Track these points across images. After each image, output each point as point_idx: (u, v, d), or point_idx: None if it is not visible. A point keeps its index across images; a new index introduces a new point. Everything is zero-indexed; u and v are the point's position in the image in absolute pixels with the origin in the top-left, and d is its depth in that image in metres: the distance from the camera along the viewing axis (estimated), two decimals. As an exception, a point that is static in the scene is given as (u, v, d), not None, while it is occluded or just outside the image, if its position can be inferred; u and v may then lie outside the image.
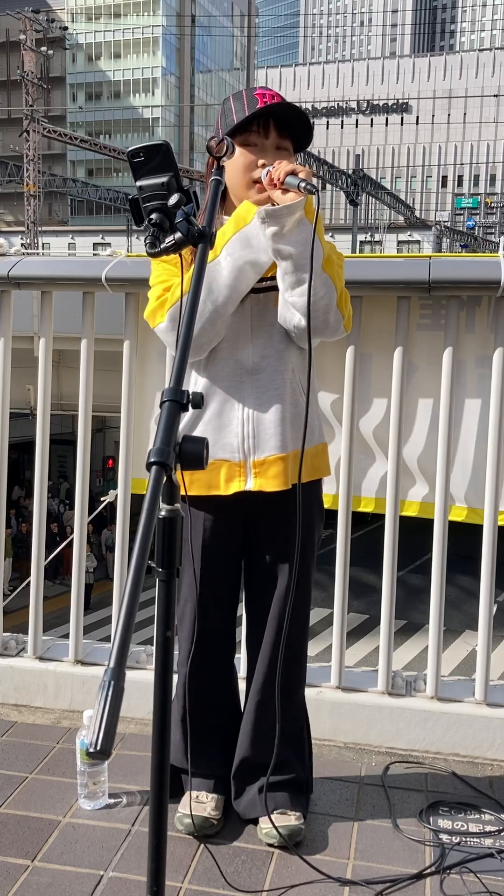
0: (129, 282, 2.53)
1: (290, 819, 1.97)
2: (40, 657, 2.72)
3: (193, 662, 2.00)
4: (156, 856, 1.27)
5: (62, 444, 11.89)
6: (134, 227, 31.86)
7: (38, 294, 2.73)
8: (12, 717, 2.60)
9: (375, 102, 79.40)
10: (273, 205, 1.78)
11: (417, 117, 79.68)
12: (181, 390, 1.25)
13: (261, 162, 1.84)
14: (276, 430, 1.89)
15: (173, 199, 1.40)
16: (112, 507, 2.87)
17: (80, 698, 2.64)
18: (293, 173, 1.75)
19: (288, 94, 71.34)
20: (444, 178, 76.55)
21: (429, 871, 1.88)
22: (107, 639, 1.74)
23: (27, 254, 2.86)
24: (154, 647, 1.75)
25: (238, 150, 1.83)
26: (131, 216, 1.47)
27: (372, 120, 79.93)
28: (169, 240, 1.41)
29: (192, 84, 75.45)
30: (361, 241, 40.94)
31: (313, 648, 2.24)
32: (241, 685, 2.16)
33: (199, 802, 2.01)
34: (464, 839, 2.00)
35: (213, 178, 1.56)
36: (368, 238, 45.42)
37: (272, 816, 1.97)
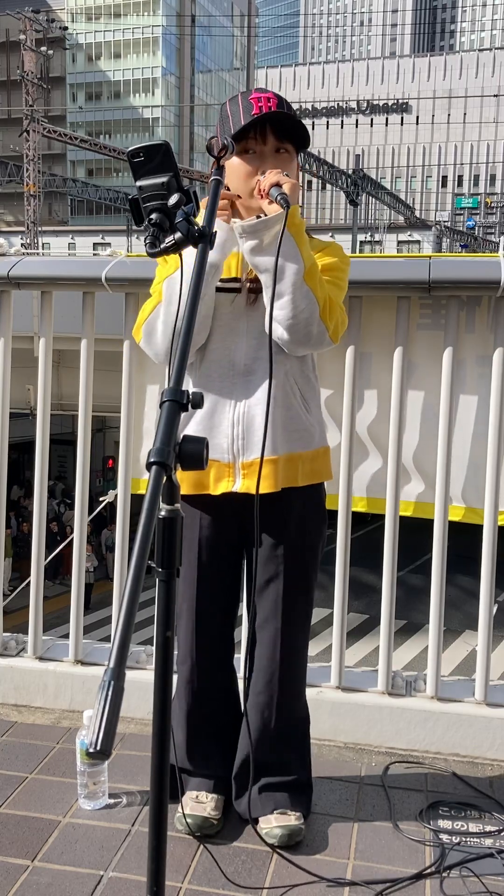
0: (129, 282, 2.53)
1: (291, 819, 1.97)
2: (40, 657, 2.72)
3: (192, 661, 2.00)
4: (156, 856, 1.26)
5: (62, 444, 11.89)
6: (134, 227, 31.86)
7: (38, 294, 2.73)
8: (12, 717, 2.60)
9: (375, 102, 79.40)
10: (259, 216, 1.81)
11: (417, 117, 79.68)
12: (181, 390, 1.25)
13: (260, 171, 1.85)
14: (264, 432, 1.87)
15: (173, 199, 1.40)
16: (112, 507, 2.88)
17: (80, 698, 2.64)
18: (277, 185, 1.76)
19: (288, 94, 71.34)
20: (444, 178, 76.55)
21: (429, 871, 1.88)
22: (107, 639, 1.74)
23: (27, 254, 2.86)
24: (154, 647, 1.75)
25: (238, 159, 1.85)
26: (131, 216, 1.47)
27: (372, 120, 79.93)
28: (169, 240, 1.41)
29: (192, 84, 75.46)
30: (361, 241, 40.94)
31: (313, 648, 2.23)
32: (241, 685, 2.16)
33: (198, 802, 2.01)
34: (464, 839, 2.00)
35: (213, 178, 1.56)
36: (368, 238, 45.42)
37: (272, 816, 1.98)
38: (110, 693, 0.97)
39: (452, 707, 2.45)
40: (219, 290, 1.91)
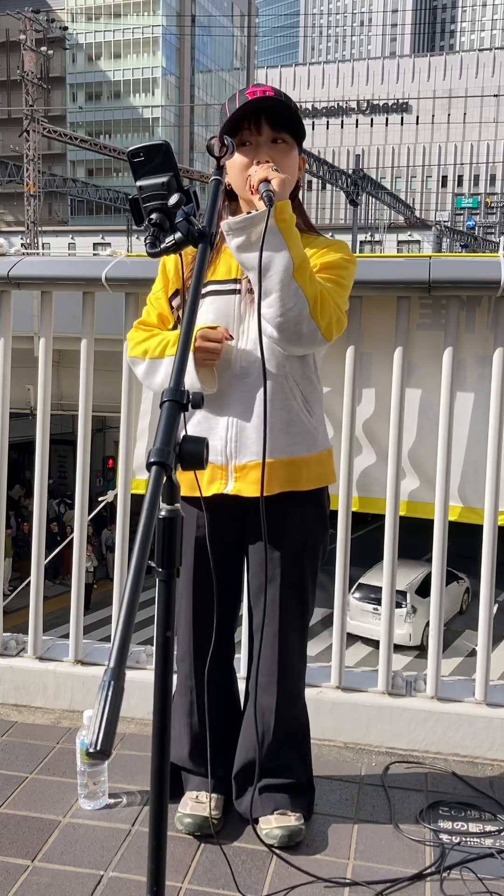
0: (129, 282, 2.53)
1: (291, 819, 1.97)
2: (40, 657, 2.72)
3: (191, 661, 2.00)
4: (156, 856, 1.27)
5: (62, 444, 11.89)
6: (134, 227, 31.88)
7: (38, 294, 2.73)
8: (12, 717, 2.60)
9: (375, 102, 79.37)
10: (250, 211, 1.77)
11: (417, 117, 79.64)
12: (181, 390, 1.25)
13: (255, 161, 1.83)
14: (258, 435, 1.83)
15: (173, 199, 1.41)
16: (112, 506, 2.87)
17: (80, 698, 2.64)
18: (266, 180, 1.73)
19: (288, 93, 71.02)
20: (444, 178, 76.53)
21: (429, 871, 1.88)
22: (107, 639, 1.74)
23: (27, 254, 2.86)
24: (154, 647, 1.75)
25: (236, 152, 1.82)
26: (131, 216, 1.47)
27: (372, 120, 79.89)
28: (169, 240, 1.41)
29: (192, 84, 75.47)
30: (361, 241, 40.97)
31: (313, 648, 2.23)
32: (241, 685, 2.16)
33: (199, 802, 2.01)
34: (464, 839, 2.00)
35: (213, 177, 1.56)
36: (368, 238, 45.45)
37: (272, 817, 1.97)
38: (110, 693, 0.97)
39: (452, 707, 2.45)
40: (218, 292, 1.90)
